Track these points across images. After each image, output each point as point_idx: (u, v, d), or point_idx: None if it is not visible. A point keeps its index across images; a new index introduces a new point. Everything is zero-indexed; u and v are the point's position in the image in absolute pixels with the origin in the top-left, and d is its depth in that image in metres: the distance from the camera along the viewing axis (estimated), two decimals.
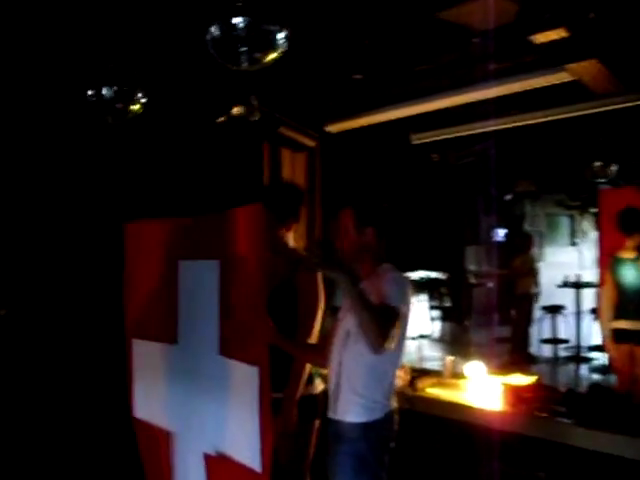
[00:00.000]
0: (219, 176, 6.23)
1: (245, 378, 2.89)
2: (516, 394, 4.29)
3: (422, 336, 12.34)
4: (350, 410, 3.25)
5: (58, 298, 6.93)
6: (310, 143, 6.31)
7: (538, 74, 4.87)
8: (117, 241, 3.91)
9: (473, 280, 13.07)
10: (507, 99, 5.30)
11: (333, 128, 6.26)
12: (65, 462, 5.88)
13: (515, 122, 5.84)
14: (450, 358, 5.22)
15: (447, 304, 15.06)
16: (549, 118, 5.64)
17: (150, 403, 3.70)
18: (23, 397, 6.58)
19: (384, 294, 3.09)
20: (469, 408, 4.41)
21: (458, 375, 5.02)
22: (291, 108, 5.85)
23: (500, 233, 13.28)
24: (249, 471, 2.88)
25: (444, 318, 14.81)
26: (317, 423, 3.88)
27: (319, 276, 3.82)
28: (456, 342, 12.50)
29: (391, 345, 2.97)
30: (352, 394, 3.24)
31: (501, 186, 11.11)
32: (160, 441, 3.57)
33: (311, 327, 3.84)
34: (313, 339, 3.85)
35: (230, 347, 3.08)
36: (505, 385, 4.37)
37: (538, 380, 4.49)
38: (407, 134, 6.54)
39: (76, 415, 6.47)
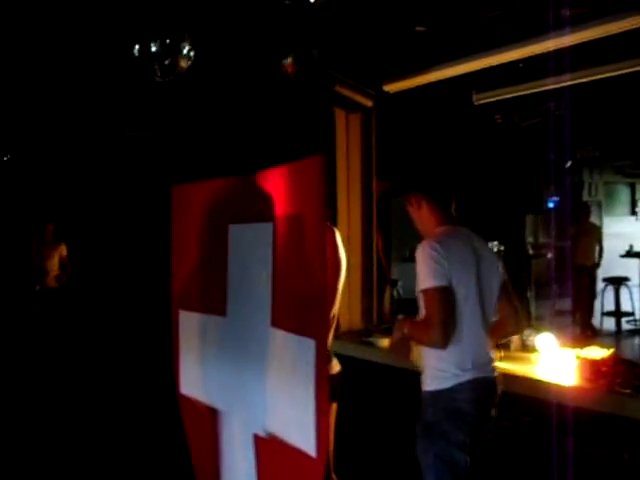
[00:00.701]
0: (270, 136, 6.01)
1: (300, 352, 2.67)
2: (594, 368, 4.00)
3: None
4: (424, 380, 3.31)
5: (105, 266, 6.86)
6: (366, 103, 6.00)
7: (616, 18, 4.43)
8: (166, 204, 3.71)
9: (531, 251, 12.79)
10: (576, 51, 4.90)
11: (391, 87, 5.95)
12: (109, 435, 5.88)
13: (585, 77, 5.41)
14: None
15: None
16: (622, 71, 5.19)
17: (197, 379, 3.50)
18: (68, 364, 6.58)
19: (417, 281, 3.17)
20: (542, 383, 4.16)
21: (526, 348, 4.80)
22: (347, 65, 5.54)
23: (556, 202, 12.97)
24: (303, 455, 2.66)
25: None
26: (334, 406, 3.51)
27: (337, 238, 3.40)
28: None
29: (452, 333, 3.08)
30: (424, 364, 3.30)
31: (564, 152, 10.73)
32: (207, 420, 3.40)
33: (332, 295, 3.42)
34: (336, 308, 3.47)
35: (284, 318, 2.85)
36: (581, 358, 4.07)
37: (615, 353, 4.15)
38: (469, 94, 6.19)
39: (121, 391, 6.42)
